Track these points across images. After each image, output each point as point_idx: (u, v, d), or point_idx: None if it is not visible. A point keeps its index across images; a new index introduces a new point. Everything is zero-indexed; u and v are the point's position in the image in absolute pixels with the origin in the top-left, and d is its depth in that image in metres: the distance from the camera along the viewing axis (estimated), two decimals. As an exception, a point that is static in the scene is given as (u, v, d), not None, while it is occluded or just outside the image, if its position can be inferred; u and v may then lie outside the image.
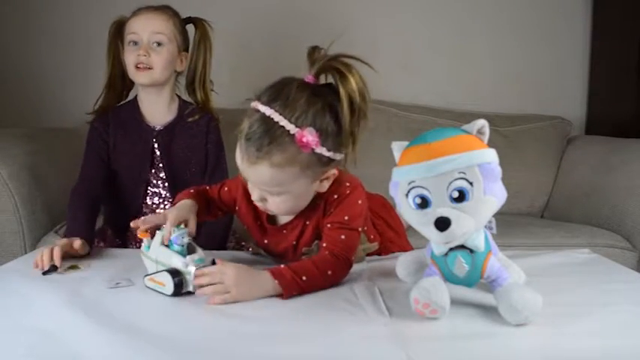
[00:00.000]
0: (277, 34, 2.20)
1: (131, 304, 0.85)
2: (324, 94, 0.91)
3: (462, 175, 0.74)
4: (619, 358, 0.69)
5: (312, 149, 0.87)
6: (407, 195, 0.78)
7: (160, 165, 1.36)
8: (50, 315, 0.80)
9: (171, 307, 0.84)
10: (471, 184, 0.74)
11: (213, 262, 0.91)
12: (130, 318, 0.79)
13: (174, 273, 0.87)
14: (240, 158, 0.90)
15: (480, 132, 0.78)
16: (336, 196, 0.99)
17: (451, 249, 0.79)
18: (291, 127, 0.86)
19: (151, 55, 1.28)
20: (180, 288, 0.87)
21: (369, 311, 0.82)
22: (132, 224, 0.98)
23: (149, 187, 1.38)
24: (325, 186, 0.96)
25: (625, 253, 1.57)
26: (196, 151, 1.37)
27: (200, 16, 1.40)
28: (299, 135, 0.86)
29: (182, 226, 0.93)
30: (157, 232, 0.94)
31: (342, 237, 0.97)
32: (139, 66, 1.29)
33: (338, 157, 0.92)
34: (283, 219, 1.04)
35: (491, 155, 0.76)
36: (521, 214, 1.92)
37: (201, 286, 0.86)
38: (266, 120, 0.87)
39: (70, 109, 2.22)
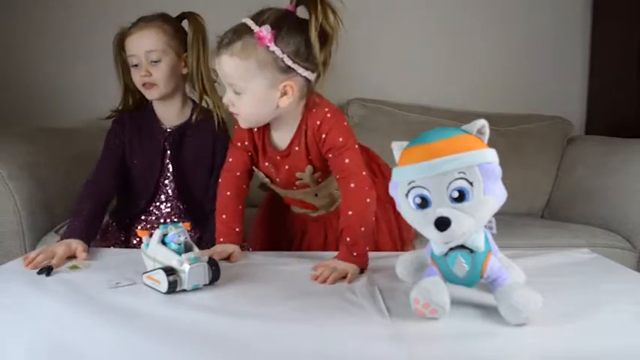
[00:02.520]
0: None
1: (131, 304, 0.85)
2: (296, 18, 1.04)
3: (462, 175, 0.74)
4: (619, 358, 0.69)
5: (267, 46, 0.99)
6: (407, 195, 0.78)
7: (170, 164, 1.39)
8: (50, 315, 0.80)
9: (171, 307, 0.84)
10: (471, 184, 0.74)
11: (210, 261, 0.91)
12: (131, 318, 0.79)
13: (169, 271, 0.88)
14: (215, 63, 1.06)
15: (479, 132, 0.78)
16: (319, 122, 1.10)
17: (451, 249, 0.79)
18: (254, 27, 1.00)
19: (152, 72, 1.31)
20: (174, 286, 0.88)
21: (369, 311, 0.82)
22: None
23: (159, 184, 1.39)
24: (285, 101, 1.05)
25: (625, 253, 1.57)
26: (204, 150, 1.39)
27: (196, 11, 1.39)
28: (257, 30, 0.99)
29: (180, 224, 0.94)
30: (156, 230, 0.94)
31: (347, 160, 1.09)
32: (144, 84, 1.33)
33: (298, 69, 1.03)
34: (280, 145, 1.15)
35: (491, 155, 0.76)
36: (521, 214, 1.93)
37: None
38: (237, 25, 1.03)
39: (71, 110, 2.23)
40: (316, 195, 1.21)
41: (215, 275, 0.92)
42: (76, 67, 2.20)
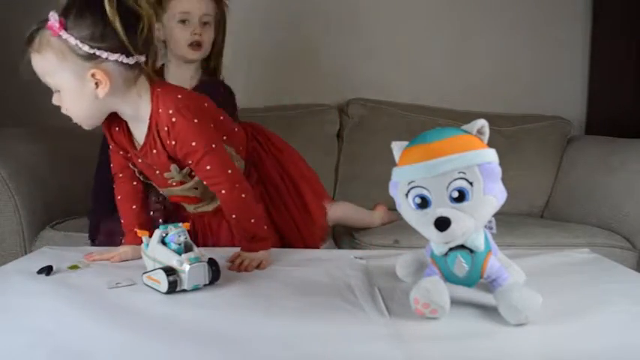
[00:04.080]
0: (278, 33, 2.20)
1: (131, 304, 0.85)
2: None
3: (462, 175, 0.74)
4: (619, 358, 0.68)
5: (58, 35, 0.92)
6: (407, 195, 0.78)
7: None
8: (50, 315, 0.80)
9: (171, 307, 0.84)
10: (470, 184, 0.74)
11: (210, 261, 0.91)
12: (131, 317, 0.79)
13: (169, 271, 0.88)
14: None
15: (479, 132, 0.78)
16: (166, 129, 1.03)
17: (451, 249, 0.79)
18: (51, 14, 0.93)
19: (202, 33, 1.40)
20: (174, 286, 0.88)
21: (368, 311, 0.82)
22: (85, 258, 1.08)
23: None
24: (102, 91, 0.97)
25: (625, 253, 1.57)
26: None
27: None
28: (48, 20, 0.93)
29: (180, 224, 0.94)
30: (156, 230, 0.94)
31: (208, 167, 1.06)
32: (191, 43, 1.40)
33: (102, 54, 0.94)
34: (141, 144, 1.09)
35: (491, 155, 0.76)
36: (521, 214, 1.92)
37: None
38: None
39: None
40: (196, 188, 1.18)
41: (215, 275, 0.92)
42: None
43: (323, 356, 0.69)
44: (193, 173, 1.13)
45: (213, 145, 1.06)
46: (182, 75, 1.44)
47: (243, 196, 1.09)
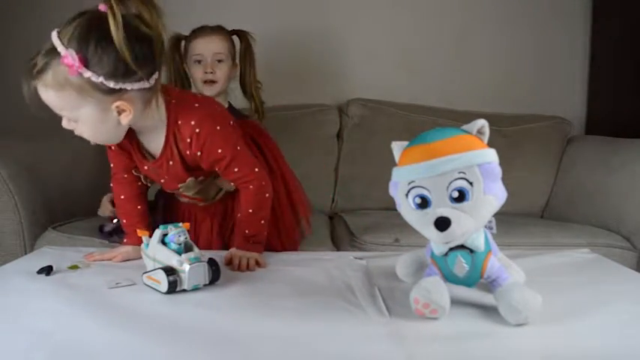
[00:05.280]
0: (278, 32, 2.20)
1: (131, 304, 0.85)
2: (107, 28, 0.86)
3: (462, 175, 0.74)
4: (619, 358, 0.69)
5: (79, 73, 0.86)
6: (407, 195, 0.78)
7: None
8: (50, 315, 0.80)
9: (171, 307, 0.84)
10: (471, 184, 0.74)
11: (210, 261, 0.91)
12: (131, 317, 0.79)
13: (169, 271, 0.88)
14: None
15: (479, 132, 0.78)
16: (189, 140, 1.03)
17: (451, 249, 0.79)
18: (60, 48, 0.86)
19: (215, 71, 1.54)
20: (174, 286, 0.88)
21: (369, 311, 0.82)
22: (85, 258, 1.09)
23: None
24: (126, 118, 0.94)
25: (625, 253, 1.57)
26: None
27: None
28: (63, 56, 0.85)
29: (180, 224, 0.94)
30: (156, 230, 0.94)
31: (236, 169, 1.08)
32: (205, 81, 1.54)
33: (126, 86, 0.90)
34: (153, 153, 1.08)
35: (491, 155, 0.76)
36: (521, 214, 1.92)
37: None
38: (46, 45, 0.88)
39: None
40: (199, 193, 1.20)
41: (215, 275, 0.92)
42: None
43: (323, 356, 0.69)
44: (203, 180, 1.16)
45: (238, 148, 1.08)
46: None
47: (267, 195, 1.13)
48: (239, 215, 1.14)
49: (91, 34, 0.86)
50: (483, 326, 0.76)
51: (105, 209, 1.53)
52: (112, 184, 1.19)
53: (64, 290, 0.90)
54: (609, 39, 2.13)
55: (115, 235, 1.54)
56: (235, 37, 1.61)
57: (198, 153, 1.04)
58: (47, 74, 0.88)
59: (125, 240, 1.16)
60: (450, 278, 0.81)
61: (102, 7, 0.88)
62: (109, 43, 0.86)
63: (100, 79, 0.87)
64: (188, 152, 1.05)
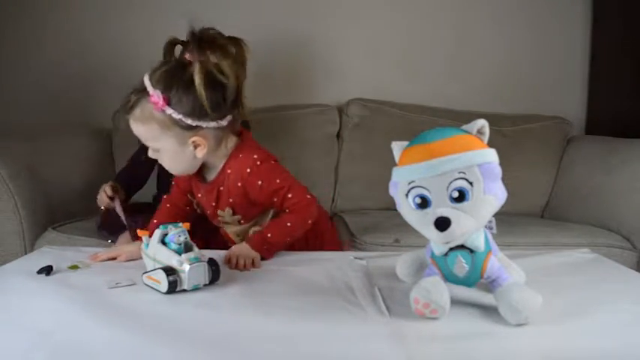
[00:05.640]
0: (278, 32, 2.20)
1: (131, 304, 0.85)
2: (190, 74, 1.03)
3: (462, 175, 0.74)
4: (619, 358, 0.69)
5: (163, 110, 1.02)
6: (407, 195, 0.78)
7: None
8: (50, 315, 0.80)
9: (171, 307, 0.84)
10: (471, 184, 0.74)
11: (210, 261, 0.91)
12: (131, 317, 0.79)
13: (169, 271, 0.88)
14: None
15: (480, 132, 0.78)
16: (248, 170, 1.13)
17: (451, 249, 0.79)
18: (149, 88, 1.02)
19: None
20: (174, 286, 0.88)
21: (369, 311, 0.82)
22: (90, 258, 1.10)
23: None
24: (201, 152, 1.09)
25: (625, 253, 1.57)
26: None
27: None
28: (151, 95, 1.02)
29: (180, 224, 0.94)
30: (157, 230, 0.94)
31: (290, 195, 1.14)
32: None
33: (201, 123, 1.05)
34: (208, 179, 1.19)
35: (491, 155, 0.76)
36: (521, 214, 1.92)
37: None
38: (139, 84, 1.04)
39: (71, 110, 2.23)
40: (238, 235, 1.24)
41: (215, 275, 0.92)
42: (77, 67, 2.20)
43: (323, 356, 0.69)
44: (242, 222, 1.22)
45: (291, 179, 1.17)
46: None
47: (309, 221, 1.17)
48: (273, 219, 1.18)
49: (174, 79, 1.03)
50: (483, 326, 0.76)
51: (102, 199, 1.53)
52: (164, 196, 1.28)
53: (64, 290, 0.90)
54: (609, 39, 2.13)
55: (103, 230, 1.55)
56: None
57: (259, 183, 1.13)
58: (137, 109, 1.04)
59: (135, 239, 1.18)
60: (450, 278, 0.81)
61: (188, 57, 1.08)
62: (189, 88, 1.02)
63: (180, 116, 1.03)
64: (239, 184, 1.14)
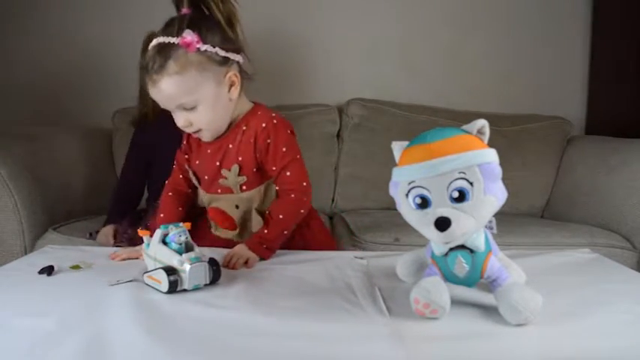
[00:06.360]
0: (278, 32, 2.20)
1: (132, 304, 0.85)
2: (201, 14, 1.06)
3: (462, 175, 0.74)
4: (619, 358, 0.69)
5: (197, 48, 1.01)
6: (407, 195, 0.78)
7: None
8: (50, 314, 0.80)
9: (171, 306, 0.84)
10: (471, 184, 0.74)
11: (211, 260, 0.91)
12: (131, 317, 0.79)
13: (170, 271, 0.88)
14: (151, 92, 1.05)
15: (480, 132, 0.78)
16: (264, 125, 1.12)
17: (451, 249, 0.79)
18: (173, 39, 1.01)
19: None
20: (175, 286, 0.88)
21: (369, 311, 0.82)
22: (111, 256, 1.10)
23: None
24: (235, 92, 1.10)
25: (625, 253, 1.57)
26: None
27: None
28: (181, 40, 1.00)
29: (181, 224, 0.94)
30: (157, 230, 0.94)
31: (288, 173, 1.12)
32: None
33: (232, 56, 1.07)
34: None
35: (491, 155, 0.76)
36: (521, 214, 1.93)
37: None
38: (155, 47, 1.03)
39: (71, 110, 2.23)
40: (237, 207, 1.18)
41: (216, 275, 0.92)
42: (77, 67, 2.20)
43: (323, 356, 0.69)
44: (244, 187, 1.16)
45: (298, 156, 1.15)
46: None
47: (302, 211, 1.16)
48: (266, 217, 1.15)
49: (194, 18, 1.04)
50: (483, 326, 0.76)
51: (105, 239, 1.55)
52: (166, 182, 1.25)
53: (65, 289, 0.90)
54: (609, 39, 2.13)
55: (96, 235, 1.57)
56: None
57: (268, 140, 1.11)
58: (169, 63, 1.01)
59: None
60: (450, 278, 0.81)
61: (186, 11, 1.05)
62: (210, 21, 1.05)
63: (215, 49, 1.03)
64: (252, 140, 1.12)
